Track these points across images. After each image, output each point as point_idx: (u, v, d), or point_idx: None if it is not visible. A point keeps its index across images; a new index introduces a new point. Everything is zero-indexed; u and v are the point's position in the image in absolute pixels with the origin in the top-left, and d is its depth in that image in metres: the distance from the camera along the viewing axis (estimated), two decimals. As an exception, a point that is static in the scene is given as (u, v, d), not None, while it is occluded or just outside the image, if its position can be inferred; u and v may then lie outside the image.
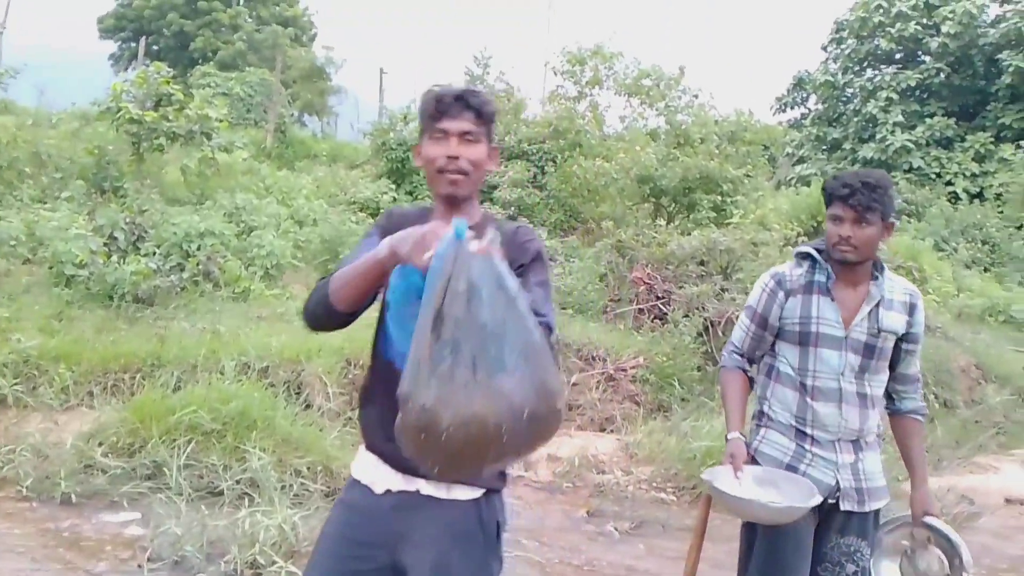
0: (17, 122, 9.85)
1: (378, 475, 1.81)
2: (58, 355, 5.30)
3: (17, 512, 4.22)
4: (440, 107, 1.84)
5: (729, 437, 2.49)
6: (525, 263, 1.82)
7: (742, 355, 2.59)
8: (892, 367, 2.46)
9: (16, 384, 5.02)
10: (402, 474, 1.77)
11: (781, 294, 2.47)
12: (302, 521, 3.99)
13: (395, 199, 10.35)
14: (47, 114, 11.27)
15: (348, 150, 15.37)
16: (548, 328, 1.64)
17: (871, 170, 2.51)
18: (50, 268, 6.55)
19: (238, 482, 4.39)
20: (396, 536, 1.77)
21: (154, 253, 6.86)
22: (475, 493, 1.77)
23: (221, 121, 9.60)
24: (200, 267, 6.85)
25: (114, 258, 6.53)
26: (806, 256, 2.47)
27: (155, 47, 25.04)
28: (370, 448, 1.86)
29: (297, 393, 5.51)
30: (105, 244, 6.71)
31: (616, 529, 4.76)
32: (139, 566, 3.67)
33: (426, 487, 1.76)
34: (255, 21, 27.91)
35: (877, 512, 2.47)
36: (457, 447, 1.33)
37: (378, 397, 1.81)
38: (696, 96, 12.95)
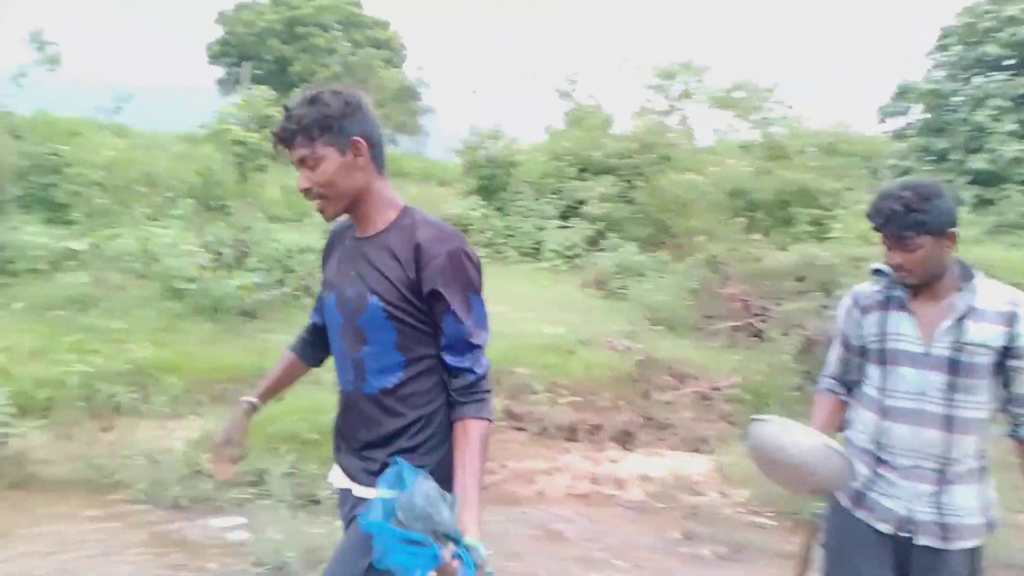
0: (132, 145, 10.47)
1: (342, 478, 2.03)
2: (168, 365, 5.57)
3: (131, 514, 4.44)
4: (276, 141, 1.83)
5: None
6: (441, 285, 1.78)
7: (834, 378, 2.46)
8: (1006, 386, 2.21)
9: (130, 392, 5.30)
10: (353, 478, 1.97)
11: (857, 312, 2.33)
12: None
13: (485, 215, 10.48)
14: (159, 137, 11.95)
15: (438, 168, 15.68)
16: (476, 372, 1.80)
17: (912, 182, 2.23)
18: (161, 282, 6.92)
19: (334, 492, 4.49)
20: None
21: (257, 269, 7.15)
22: None
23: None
24: (300, 281, 7.10)
25: (220, 273, 6.84)
26: (881, 272, 2.31)
27: (257, 72, 26.25)
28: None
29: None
30: (212, 260, 7.04)
31: (712, 553, 4.63)
32: (244, 570, 3.79)
33: (358, 489, 1.94)
34: (350, 45, 28.91)
35: (974, 551, 2.19)
36: None
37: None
38: (791, 108, 12.64)
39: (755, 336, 7.24)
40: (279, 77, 26.87)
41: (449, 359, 1.82)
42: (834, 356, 2.46)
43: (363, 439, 1.93)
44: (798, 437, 2.09)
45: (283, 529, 4.02)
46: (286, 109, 1.79)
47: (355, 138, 1.79)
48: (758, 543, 4.75)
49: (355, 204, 1.84)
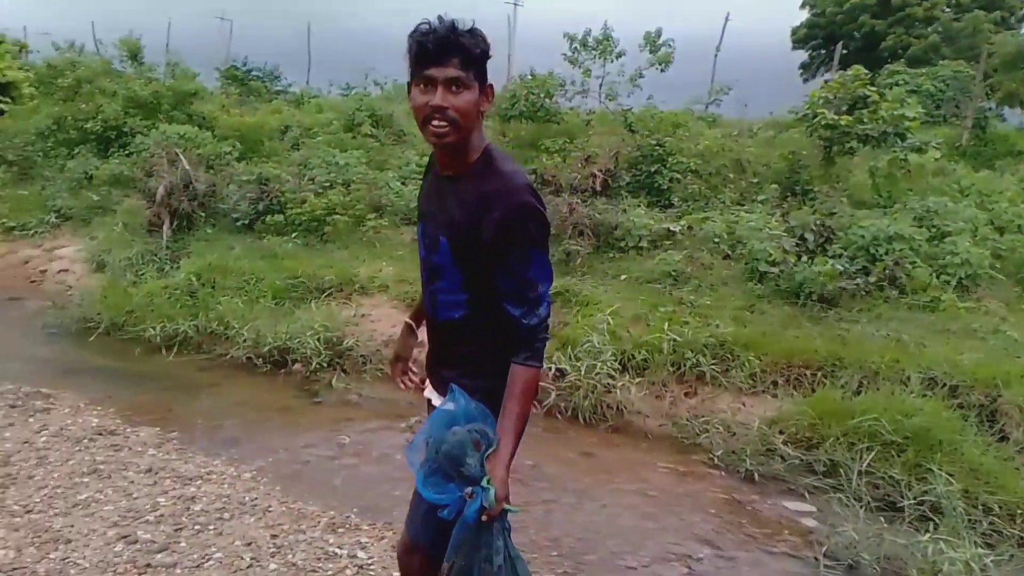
0: (723, 133, 11.11)
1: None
2: (748, 343, 5.79)
3: (707, 477, 4.77)
4: (425, 52, 1.74)
5: None
6: (497, 237, 1.81)
7: None
8: None
9: (712, 364, 5.67)
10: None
11: None
12: (993, 565, 3.51)
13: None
14: (748, 124, 12.43)
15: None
16: (525, 323, 1.86)
17: None
18: (745, 264, 7.22)
19: (920, 503, 4.11)
20: None
21: (840, 255, 6.92)
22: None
23: (913, 120, 9.12)
24: (886, 272, 6.63)
25: (803, 258, 6.81)
26: None
27: (844, 51, 25.31)
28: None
29: (991, 421, 4.88)
30: (795, 244, 7.05)
31: None
32: (816, 559, 3.74)
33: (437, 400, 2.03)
34: (953, 10, 25.72)
35: None
36: None
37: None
38: None
39: None
40: (866, 55, 25.44)
41: (506, 306, 1.89)
42: None
43: (437, 359, 2.09)
44: None
45: (858, 529, 3.83)
46: (447, 25, 1.76)
47: (491, 84, 1.86)
48: None
49: (464, 141, 1.86)
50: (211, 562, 3.08)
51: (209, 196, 9.11)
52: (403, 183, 9.49)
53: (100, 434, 4.39)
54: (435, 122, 1.80)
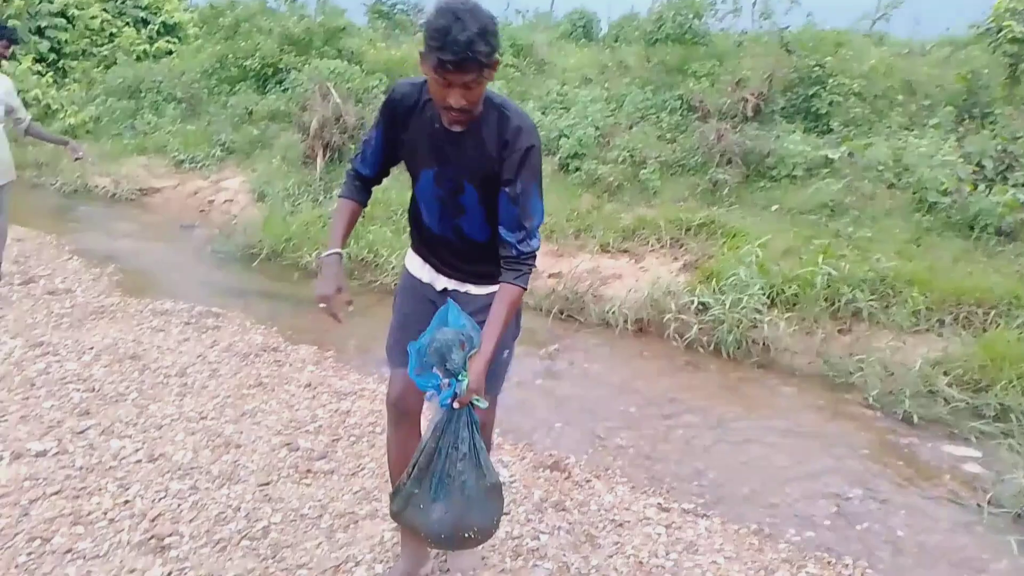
0: (891, 53, 10.17)
1: (434, 277, 2.36)
2: (912, 279, 5.38)
3: (861, 418, 4.53)
4: (445, 62, 1.83)
5: None
6: (511, 175, 2.04)
7: None
8: None
9: (871, 300, 5.32)
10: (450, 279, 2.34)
11: None
12: None
13: None
14: (920, 43, 11.31)
15: None
16: (520, 249, 2.09)
17: None
18: (913, 194, 6.66)
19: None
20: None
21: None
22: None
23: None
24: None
25: (980, 188, 6.20)
26: None
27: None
28: (425, 259, 2.37)
29: None
30: (972, 172, 6.42)
31: None
32: (979, 505, 3.50)
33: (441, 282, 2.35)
34: None
35: None
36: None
37: (420, 236, 2.36)
38: None
39: None
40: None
41: (502, 232, 2.11)
42: None
43: (451, 261, 2.30)
44: None
45: (1029, 476, 3.54)
46: (465, 42, 1.81)
47: (498, 57, 1.92)
48: None
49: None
50: (365, 471, 3.27)
51: (358, 129, 9.39)
52: (543, 113, 9.38)
53: (264, 351, 4.72)
54: (452, 115, 1.97)
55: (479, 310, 2.19)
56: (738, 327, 5.38)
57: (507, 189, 2.05)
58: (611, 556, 2.78)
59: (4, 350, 4.29)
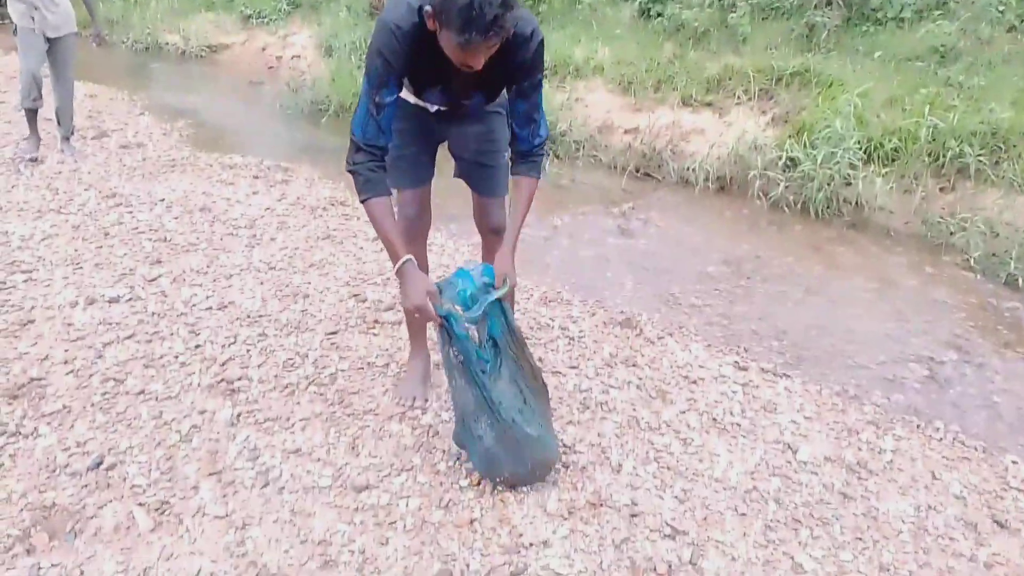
0: None
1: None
2: (1030, 132, 4.86)
3: (959, 281, 4.22)
4: (467, 42, 1.72)
5: None
6: (524, 78, 2.06)
7: None
8: None
9: (979, 155, 4.85)
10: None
11: None
12: None
13: None
14: None
15: None
16: (531, 142, 2.17)
17: None
18: (1037, 37, 5.94)
19: None
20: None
21: None
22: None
23: None
24: None
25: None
26: None
27: None
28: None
29: None
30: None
31: None
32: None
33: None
34: None
35: None
36: None
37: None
38: None
39: None
40: None
41: (514, 127, 2.16)
42: None
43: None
44: None
45: None
46: (488, 22, 1.68)
47: None
48: None
49: None
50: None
51: (425, -23, 8.91)
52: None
53: (332, 204, 4.64)
54: (468, 71, 1.86)
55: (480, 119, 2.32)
56: (829, 184, 5.02)
57: (518, 88, 2.07)
58: (683, 412, 2.67)
59: (78, 201, 4.33)
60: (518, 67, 2.01)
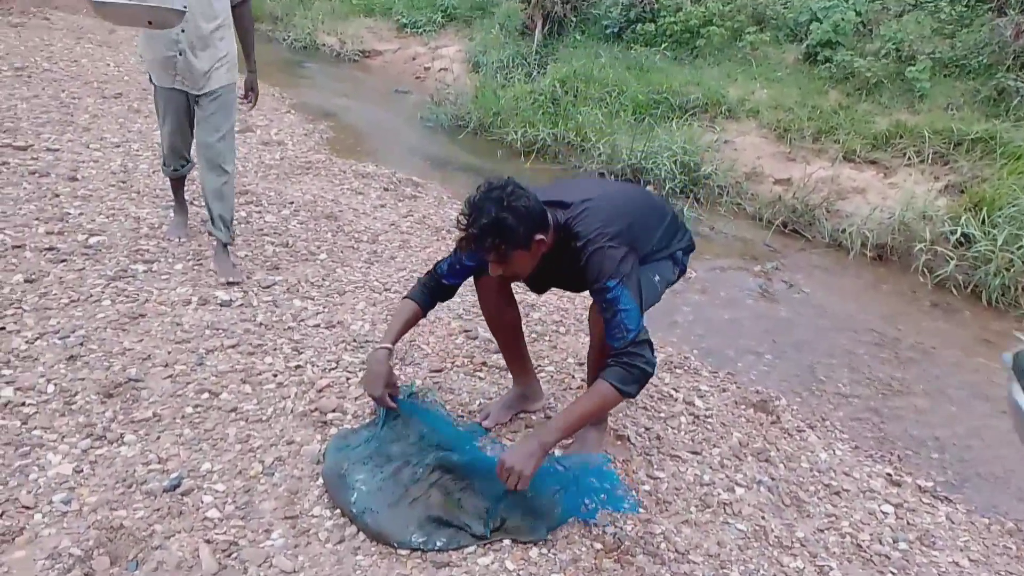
0: None
1: None
2: None
3: None
4: (463, 241, 1.99)
5: None
6: (585, 279, 2.06)
7: None
8: None
9: None
10: None
11: None
12: None
13: None
14: None
15: None
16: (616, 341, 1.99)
17: None
18: None
19: None
20: None
21: None
22: None
23: None
24: None
25: None
26: None
27: None
28: None
29: None
30: None
31: None
32: None
33: None
34: None
35: None
36: None
37: None
38: None
39: None
40: None
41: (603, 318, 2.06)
42: None
43: None
44: None
45: None
46: (472, 218, 1.94)
47: (538, 238, 2.00)
48: None
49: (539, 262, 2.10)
50: (543, 374, 2.94)
51: (582, 0, 8.74)
52: (793, -7, 8.17)
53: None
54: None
55: None
56: (1009, 269, 4.41)
57: (589, 289, 2.05)
58: (822, 530, 2.28)
59: (212, 194, 4.35)
60: (576, 272, 2.05)
